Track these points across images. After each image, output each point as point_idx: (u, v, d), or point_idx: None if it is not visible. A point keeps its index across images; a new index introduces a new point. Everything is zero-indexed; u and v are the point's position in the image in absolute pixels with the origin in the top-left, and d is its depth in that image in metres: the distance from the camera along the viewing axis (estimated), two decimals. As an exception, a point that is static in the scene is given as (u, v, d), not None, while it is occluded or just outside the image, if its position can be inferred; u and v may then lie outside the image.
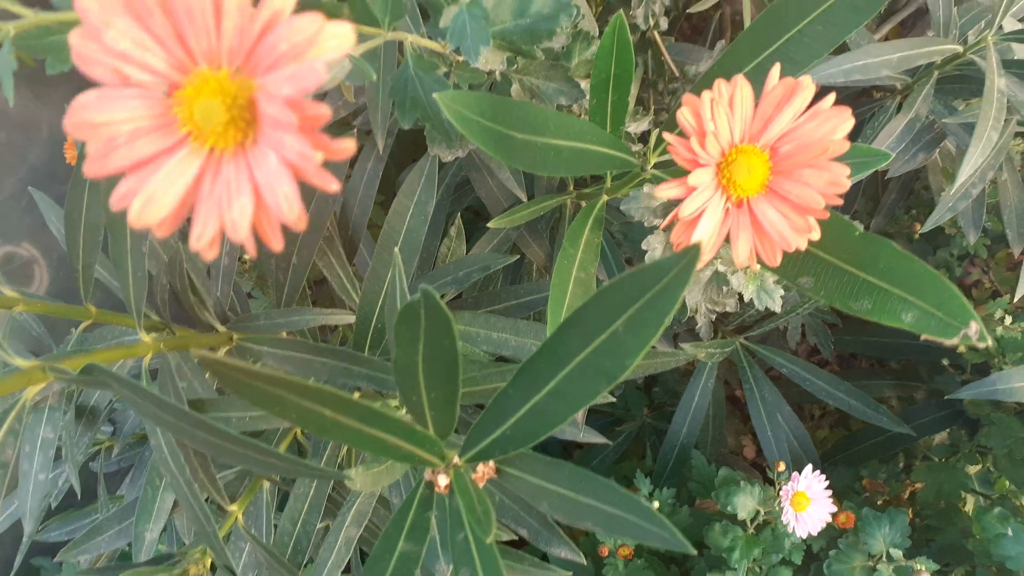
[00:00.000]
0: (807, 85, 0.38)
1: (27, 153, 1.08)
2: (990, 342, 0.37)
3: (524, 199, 0.83)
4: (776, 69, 0.38)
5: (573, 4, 0.47)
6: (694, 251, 0.23)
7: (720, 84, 0.38)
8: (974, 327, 0.38)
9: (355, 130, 0.67)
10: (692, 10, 0.98)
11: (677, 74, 0.93)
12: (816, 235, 0.41)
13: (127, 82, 0.25)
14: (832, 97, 0.39)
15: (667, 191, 0.40)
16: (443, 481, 0.37)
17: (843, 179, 0.39)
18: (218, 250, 0.25)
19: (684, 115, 0.39)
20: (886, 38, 1.07)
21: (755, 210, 0.41)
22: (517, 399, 0.32)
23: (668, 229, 0.44)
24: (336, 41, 0.23)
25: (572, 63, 0.66)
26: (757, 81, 0.40)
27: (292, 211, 0.23)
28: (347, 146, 0.23)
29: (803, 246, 0.41)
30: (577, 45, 0.66)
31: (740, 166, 0.40)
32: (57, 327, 0.73)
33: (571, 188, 0.82)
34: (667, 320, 0.24)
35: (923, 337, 0.40)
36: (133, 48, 0.24)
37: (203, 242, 0.25)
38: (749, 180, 0.40)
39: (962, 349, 0.93)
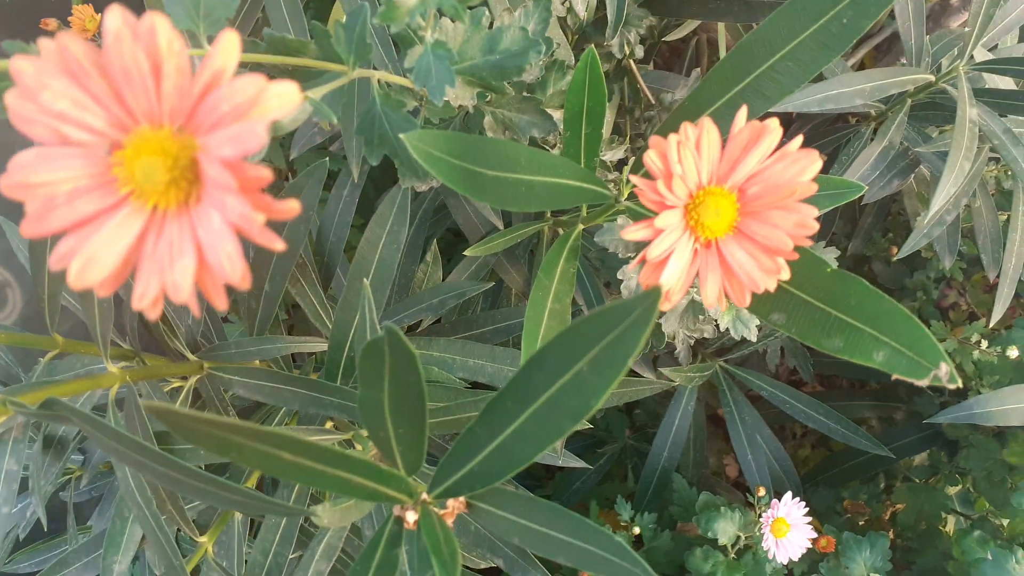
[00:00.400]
0: (773, 128, 0.38)
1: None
2: (959, 383, 0.37)
3: (501, 227, 0.83)
4: (743, 112, 0.38)
5: (541, 42, 0.47)
6: (655, 294, 0.23)
7: (686, 127, 0.38)
8: (944, 368, 0.38)
9: (327, 157, 0.66)
10: (668, 38, 0.99)
11: (653, 101, 0.93)
12: (785, 275, 0.40)
13: (66, 141, 0.24)
14: (799, 140, 0.39)
15: (634, 233, 0.39)
16: (411, 517, 0.36)
17: (811, 220, 0.39)
18: (161, 309, 0.24)
19: (651, 157, 0.39)
20: (861, 62, 1.08)
21: (724, 251, 0.40)
22: (484, 437, 0.32)
23: (640, 267, 0.44)
24: (279, 101, 0.23)
25: (547, 93, 0.66)
26: (729, 117, 0.40)
27: (235, 271, 0.23)
28: (291, 207, 0.23)
29: (772, 287, 0.41)
30: (552, 75, 0.67)
31: (708, 208, 0.40)
32: (27, 354, 0.72)
33: (548, 216, 0.82)
34: (630, 360, 0.24)
35: (894, 377, 0.40)
36: (71, 108, 0.24)
37: (145, 302, 0.24)
38: (717, 222, 0.40)
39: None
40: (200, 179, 0.24)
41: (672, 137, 0.38)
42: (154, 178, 0.24)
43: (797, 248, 0.41)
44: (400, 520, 0.37)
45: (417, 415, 0.33)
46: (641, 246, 0.47)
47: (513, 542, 0.34)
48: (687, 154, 0.38)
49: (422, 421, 0.33)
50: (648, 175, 0.39)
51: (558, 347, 0.27)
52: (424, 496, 0.36)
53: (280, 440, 0.25)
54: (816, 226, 0.39)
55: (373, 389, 0.31)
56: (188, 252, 0.23)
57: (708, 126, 0.38)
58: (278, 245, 0.22)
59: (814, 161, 0.39)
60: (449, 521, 0.37)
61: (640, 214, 0.51)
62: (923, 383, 0.37)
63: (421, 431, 0.33)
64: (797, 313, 0.43)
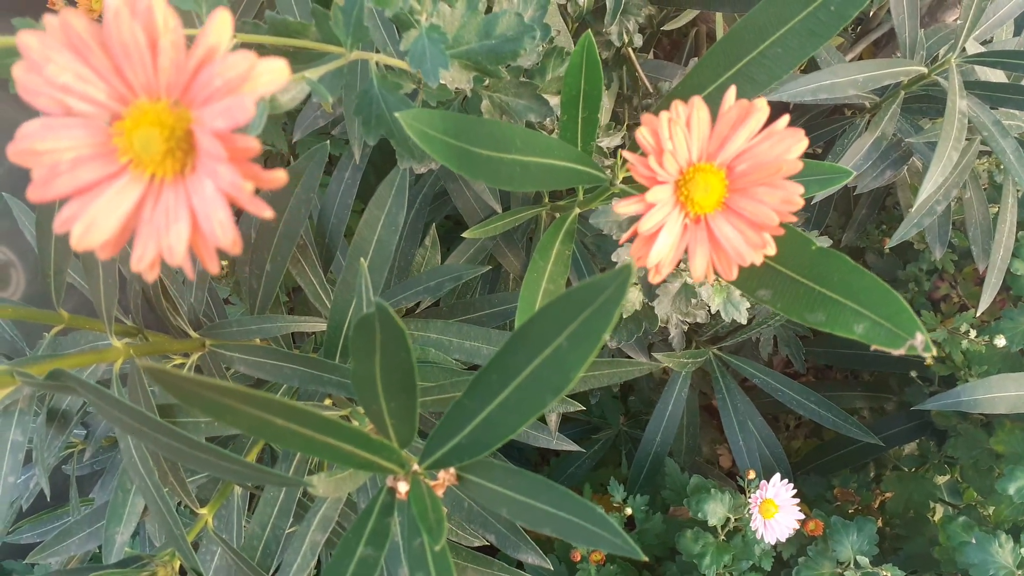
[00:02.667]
0: (761, 107, 0.39)
1: (2, 158, 1.08)
2: (934, 352, 0.38)
3: (499, 211, 0.84)
4: (732, 91, 0.40)
5: (536, 27, 0.48)
6: (627, 271, 0.24)
7: (677, 105, 0.39)
8: (919, 338, 0.39)
9: (328, 140, 0.67)
10: (667, 28, 1.00)
11: (652, 90, 0.94)
12: (771, 251, 0.42)
13: (69, 112, 0.26)
14: (786, 119, 0.40)
15: (626, 207, 0.41)
16: (403, 488, 0.37)
17: (796, 197, 0.40)
18: (158, 272, 0.25)
19: (643, 134, 0.40)
20: (860, 57, 1.09)
21: (712, 226, 0.42)
22: (472, 409, 0.33)
23: (631, 243, 0.45)
24: (269, 76, 0.24)
25: (545, 79, 0.67)
26: (720, 101, 0.41)
27: (226, 237, 0.24)
28: (278, 176, 0.24)
29: (758, 261, 0.42)
30: (551, 61, 0.68)
31: (697, 184, 0.41)
32: (32, 332, 0.73)
33: (546, 200, 0.84)
34: (605, 335, 0.25)
35: (872, 347, 0.42)
36: (74, 81, 0.25)
37: (143, 265, 0.25)
38: (706, 197, 0.41)
39: (930, 362, 0.95)
40: (195, 150, 0.25)
41: (663, 115, 0.40)
42: (151, 148, 0.25)
43: (784, 227, 0.43)
44: (392, 491, 0.39)
45: (408, 389, 0.34)
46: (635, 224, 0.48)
47: (502, 513, 0.35)
48: (678, 131, 0.40)
49: (412, 395, 0.34)
50: (641, 153, 0.41)
51: (540, 322, 0.28)
52: (415, 467, 0.38)
53: (270, 405, 0.26)
54: (801, 202, 0.40)
55: (365, 363, 0.32)
56: (183, 218, 0.25)
57: (698, 104, 0.40)
58: (267, 213, 0.24)
59: (800, 140, 0.40)
60: (439, 492, 0.38)
61: (634, 197, 0.52)
62: (899, 352, 0.39)
63: (412, 405, 0.35)
64: (783, 289, 0.44)
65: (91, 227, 0.25)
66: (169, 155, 0.26)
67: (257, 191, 0.25)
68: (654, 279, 0.43)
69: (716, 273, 0.44)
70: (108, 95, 0.26)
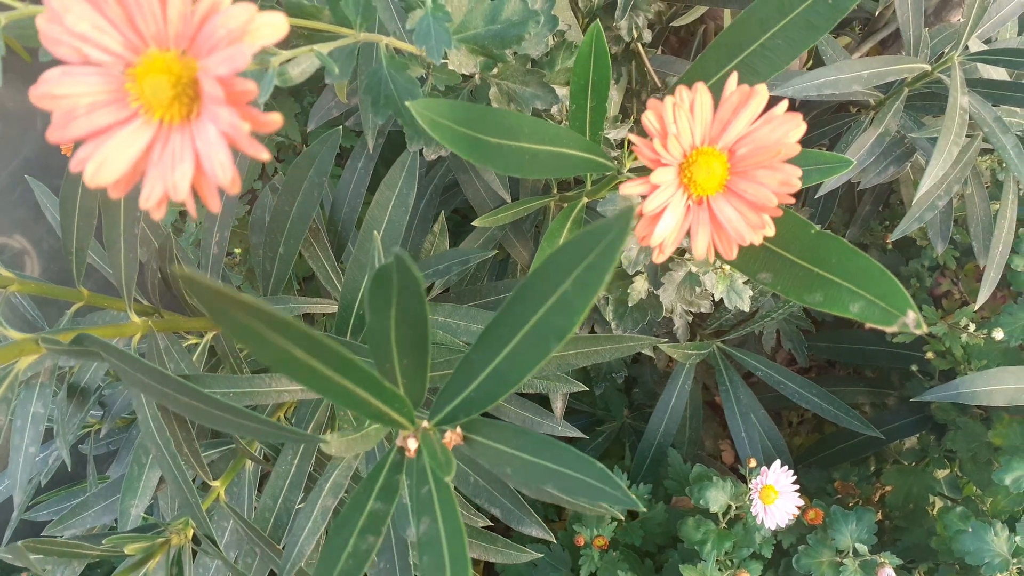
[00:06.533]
0: (761, 92, 0.41)
1: (21, 146, 1.11)
2: (925, 328, 0.40)
3: (509, 200, 0.86)
4: (733, 77, 0.41)
5: (540, 13, 0.50)
6: (628, 214, 0.25)
7: (681, 90, 0.41)
8: (911, 316, 0.41)
9: (341, 127, 0.69)
10: (676, 24, 1.02)
11: (660, 85, 0.96)
12: (771, 232, 0.43)
13: (87, 60, 0.28)
14: (784, 104, 0.41)
15: (632, 188, 0.42)
16: (412, 445, 0.39)
17: (795, 179, 0.42)
18: (165, 210, 0.28)
19: (648, 118, 0.42)
20: (867, 56, 1.10)
21: (714, 207, 0.43)
22: (480, 363, 0.34)
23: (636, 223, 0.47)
24: (269, 29, 0.27)
25: (554, 70, 0.69)
26: (723, 90, 0.43)
27: (226, 176, 0.27)
28: (273, 119, 0.27)
29: (757, 241, 0.44)
30: (560, 53, 0.69)
31: (700, 166, 0.42)
32: (50, 313, 0.75)
33: (555, 190, 0.85)
34: (606, 278, 0.27)
35: (867, 325, 0.43)
36: (91, 30, 0.27)
37: (151, 202, 0.28)
38: (708, 179, 0.43)
39: (930, 355, 0.96)
40: (200, 97, 0.28)
41: (668, 99, 0.41)
42: (160, 94, 0.28)
43: (786, 212, 0.44)
44: (402, 450, 0.40)
45: (420, 344, 0.35)
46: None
47: (505, 473, 0.37)
48: (682, 115, 0.41)
49: (424, 351, 0.36)
50: (647, 137, 0.42)
51: (546, 271, 0.30)
52: (425, 424, 0.39)
53: (294, 332, 0.28)
54: (799, 184, 0.42)
55: (381, 315, 0.34)
56: (187, 159, 0.27)
57: (701, 89, 0.41)
58: (264, 155, 0.26)
59: (798, 124, 0.42)
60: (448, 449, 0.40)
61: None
62: (892, 329, 0.40)
63: (423, 361, 0.36)
64: (783, 271, 0.46)
65: (103, 165, 0.28)
66: (176, 100, 0.28)
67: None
68: (658, 258, 0.44)
69: (717, 254, 0.45)
70: (122, 45, 0.28)
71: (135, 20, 0.28)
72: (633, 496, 0.33)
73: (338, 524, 0.35)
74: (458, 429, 0.39)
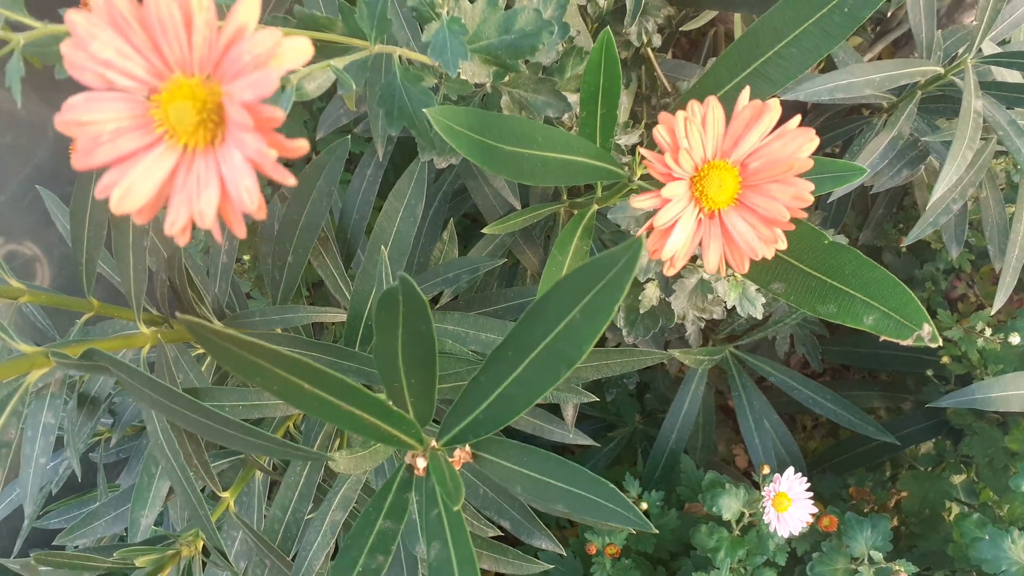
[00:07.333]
0: (773, 107, 0.40)
1: (33, 154, 1.11)
2: (940, 342, 0.39)
3: (518, 207, 0.86)
4: (746, 92, 0.41)
5: (554, 23, 0.49)
6: (637, 244, 0.25)
7: (693, 104, 0.40)
8: (927, 329, 0.40)
9: (350, 135, 0.69)
10: (686, 28, 1.01)
11: (670, 89, 0.95)
12: (783, 245, 0.43)
13: (111, 87, 0.28)
14: (797, 119, 0.41)
15: (643, 202, 0.42)
16: (421, 464, 0.39)
17: (807, 194, 0.41)
18: (189, 236, 0.27)
19: (659, 132, 0.41)
20: (879, 57, 1.09)
21: (726, 221, 0.43)
22: (488, 385, 0.34)
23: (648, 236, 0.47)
24: (294, 54, 0.26)
25: (564, 77, 0.69)
26: (736, 99, 0.43)
27: (252, 202, 0.26)
28: (300, 145, 0.26)
29: (769, 255, 0.43)
30: (571, 60, 0.69)
31: (712, 180, 0.42)
32: (61, 321, 0.75)
33: (565, 197, 0.85)
34: (617, 306, 0.26)
35: (882, 338, 0.43)
36: (116, 57, 0.27)
37: (176, 228, 0.27)
38: (720, 193, 0.42)
39: (946, 360, 0.95)
40: (225, 122, 0.27)
41: (680, 114, 0.41)
42: (185, 119, 0.27)
43: (798, 222, 0.44)
44: (411, 468, 0.40)
45: (428, 363, 0.35)
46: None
47: (516, 491, 0.37)
48: (693, 129, 0.41)
49: (432, 370, 0.35)
50: (658, 150, 0.42)
51: (555, 297, 0.30)
52: (433, 444, 0.39)
53: (300, 367, 0.27)
54: (811, 199, 0.41)
55: (388, 336, 0.33)
56: (213, 184, 0.27)
57: (713, 104, 0.41)
58: (290, 180, 0.26)
59: (811, 139, 0.41)
60: (456, 468, 0.40)
61: (652, 193, 0.53)
62: (907, 343, 0.40)
63: (431, 380, 0.36)
64: (796, 282, 0.45)
65: (129, 192, 0.27)
66: (201, 126, 0.27)
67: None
68: (669, 272, 0.44)
69: (729, 266, 0.45)
70: (146, 70, 0.28)
71: (160, 46, 0.28)
72: (644, 517, 0.33)
73: (347, 544, 0.35)
74: (467, 447, 0.39)
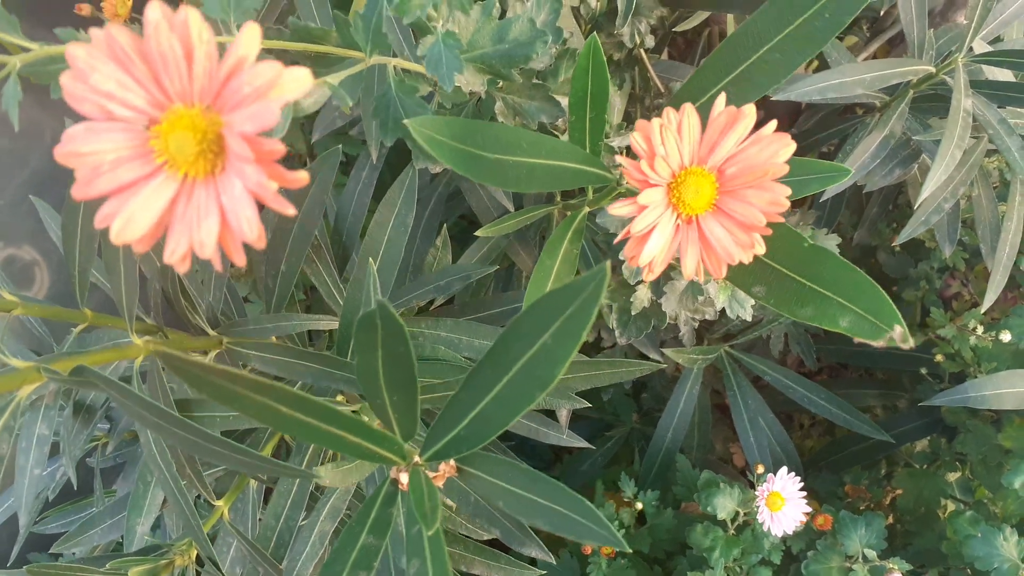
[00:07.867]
0: (748, 113, 0.40)
1: (29, 158, 1.11)
2: (912, 343, 0.40)
3: (512, 209, 0.86)
4: (722, 98, 0.41)
5: (547, 32, 0.50)
6: (601, 272, 0.25)
7: (669, 112, 0.41)
8: (898, 330, 0.41)
9: (343, 141, 0.69)
10: (680, 28, 1.01)
11: (664, 90, 0.95)
12: (760, 250, 0.43)
13: (111, 117, 0.28)
14: (773, 124, 0.41)
15: (619, 209, 0.42)
16: (404, 479, 0.39)
17: (783, 199, 0.41)
18: (189, 264, 0.28)
19: (636, 139, 0.41)
20: (874, 56, 1.09)
21: (703, 227, 0.43)
22: (468, 402, 0.34)
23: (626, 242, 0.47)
24: (294, 84, 0.26)
25: (558, 81, 0.69)
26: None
27: (252, 232, 0.27)
28: (300, 177, 0.26)
29: (747, 260, 0.43)
30: (564, 63, 0.69)
31: (689, 186, 0.42)
32: (58, 327, 0.76)
33: (558, 199, 0.85)
34: (585, 332, 0.27)
35: (856, 340, 0.43)
36: (116, 88, 0.27)
37: (175, 258, 0.28)
38: (697, 199, 0.42)
39: (940, 359, 0.95)
40: (224, 152, 0.28)
41: (655, 121, 0.41)
42: (185, 150, 0.28)
43: (779, 226, 0.44)
44: (395, 482, 0.40)
45: (408, 383, 0.35)
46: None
47: (499, 506, 0.37)
48: (669, 136, 0.41)
49: (413, 389, 0.36)
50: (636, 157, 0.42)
51: (527, 320, 0.30)
52: (416, 459, 0.39)
53: (276, 393, 0.28)
54: (787, 204, 0.41)
55: (369, 358, 0.34)
56: (213, 214, 0.27)
57: (689, 111, 0.41)
58: (290, 211, 0.26)
59: (787, 144, 0.41)
60: (439, 483, 0.40)
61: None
62: (880, 344, 0.40)
63: (413, 398, 0.36)
64: (776, 285, 0.46)
65: (129, 222, 0.28)
66: (201, 156, 0.28)
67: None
68: (647, 277, 0.44)
69: (706, 272, 0.45)
70: (147, 101, 0.28)
71: (160, 78, 0.28)
72: (618, 535, 0.33)
73: (330, 559, 0.35)
74: (451, 461, 0.39)
